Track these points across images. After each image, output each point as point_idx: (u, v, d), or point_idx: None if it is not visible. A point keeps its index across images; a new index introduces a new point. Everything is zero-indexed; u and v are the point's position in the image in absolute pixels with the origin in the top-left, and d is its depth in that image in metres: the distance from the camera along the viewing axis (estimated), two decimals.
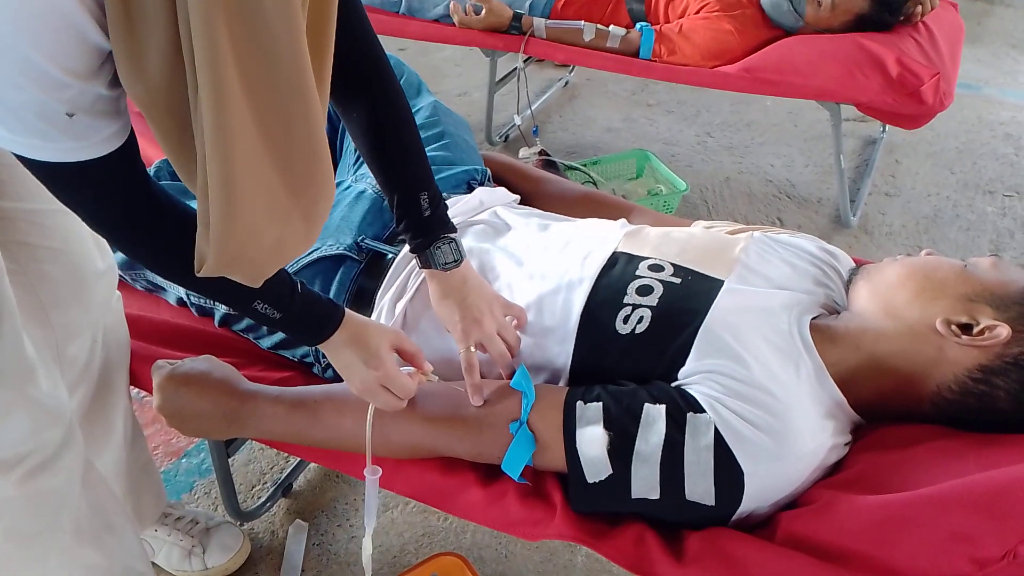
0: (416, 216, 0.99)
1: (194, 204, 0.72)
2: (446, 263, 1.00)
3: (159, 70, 0.63)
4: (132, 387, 1.15)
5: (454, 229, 1.02)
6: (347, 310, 0.93)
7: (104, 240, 1.08)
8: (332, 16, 0.72)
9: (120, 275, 1.26)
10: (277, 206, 0.71)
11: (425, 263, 1.01)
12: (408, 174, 0.99)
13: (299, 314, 0.89)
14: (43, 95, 0.62)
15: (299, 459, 1.47)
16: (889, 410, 0.94)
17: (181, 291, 1.22)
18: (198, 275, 0.72)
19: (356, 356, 0.91)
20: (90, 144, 0.68)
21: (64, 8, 0.59)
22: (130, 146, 0.73)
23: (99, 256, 1.04)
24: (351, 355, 0.91)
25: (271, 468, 1.53)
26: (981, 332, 0.88)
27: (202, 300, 1.20)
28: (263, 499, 1.44)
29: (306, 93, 0.67)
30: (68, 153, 0.67)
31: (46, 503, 0.91)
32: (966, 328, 0.89)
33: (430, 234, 1.00)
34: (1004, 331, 0.87)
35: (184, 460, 1.56)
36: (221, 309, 1.18)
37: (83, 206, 0.75)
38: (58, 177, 0.70)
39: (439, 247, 0.99)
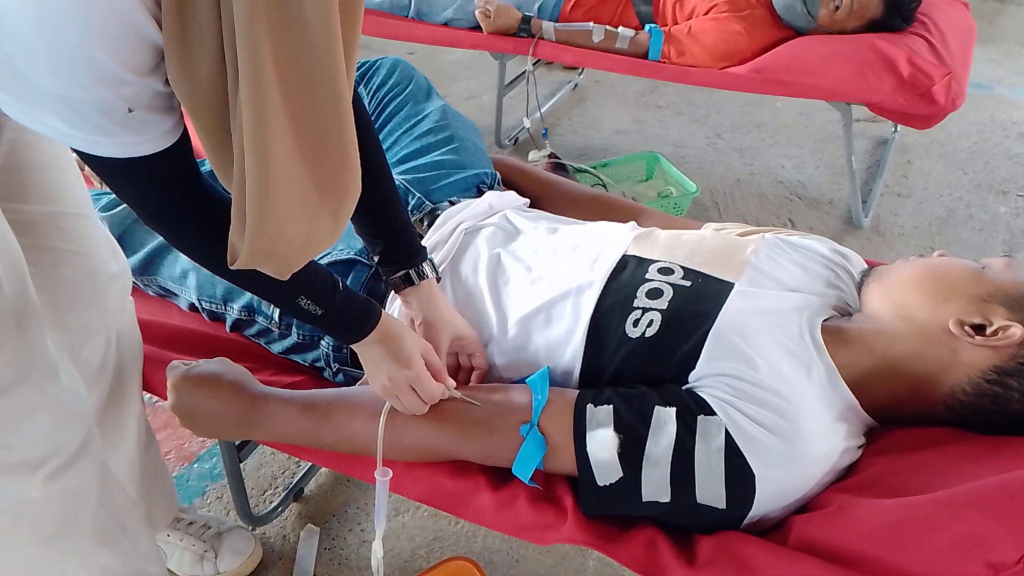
0: (400, 251, 1.04)
1: None
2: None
3: (205, 70, 0.65)
4: (144, 392, 1.16)
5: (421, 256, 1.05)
6: (383, 310, 0.95)
7: (117, 244, 1.09)
8: (359, 21, 0.74)
9: (132, 280, 1.27)
10: (308, 203, 0.73)
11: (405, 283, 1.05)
12: (391, 226, 1.04)
13: (340, 311, 0.91)
14: (106, 92, 0.65)
15: (310, 463, 1.48)
16: (902, 413, 0.93)
17: (193, 296, 1.23)
18: (231, 267, 0.75)
19: (388, 354, 0.94)
20: (148, 139, 0.71)
21: (125, 8, 0.61)
22: (184, 141, 0.75)
23: (113, 260, 1.05)
24: (383, 352, 0.94)
25: (283, 472, 1.53)
26: (995, 333, 0.87)
27: (213, 305, 1.20)
28: (275, 503, 1.44)
29: (340, 98, 0.69)
30: (128, 148, 0.70)
31: (67, 505, 0.91)
32: (979, 329, 0.89)
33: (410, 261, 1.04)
34: (1018, 331, 0.86)
35: (196, 464, 1.57)
36: (232, 315, 1.19)
37: (140, 199, 0.78)
38: (117, 171, 0.73)
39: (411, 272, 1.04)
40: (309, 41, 0.64)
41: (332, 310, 0.91)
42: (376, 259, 1.06)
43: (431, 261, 1.06)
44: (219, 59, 0.64)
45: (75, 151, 0.73)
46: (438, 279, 1.07)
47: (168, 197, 0.78)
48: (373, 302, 0.95)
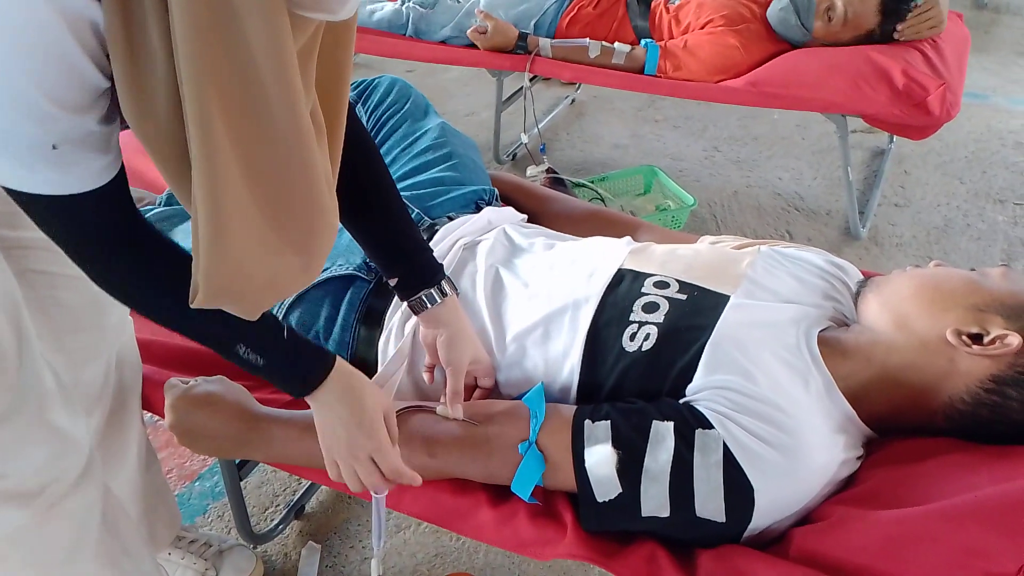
0: (420, 272, 1.03)
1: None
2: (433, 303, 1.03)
3: (161, 104, 0.63)
4: (145, 411, 1.16)
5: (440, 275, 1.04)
6: (338, 358, 0.89)
7: None
8: (346, 75, 0.73)
9: None
10: (267, 242, 0.71)
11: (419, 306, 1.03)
12: (409, 258, 1.03)
13: (284, 360, 0.85)
14: (31, 126, 0.62)
15: (311, 481, 1.48)
16: (901, 423, 0.93)
17: None
18: (192, 306, 0.71)
19: (347, 414, 0.88)
20: (75, 178, 0.67)
21: (59, 42, 0.59)
22: (118, 182, 0.71)
23: None
24: (343, 411, 0.88)
25: (284, 490, 1.53)
26: (992, 342, 0.87)
27: None
28: (276, 521, 1.44)
29: (304, 152, 0.67)
30: (52, 185, 0.66)
31: (69, 531, 0.91)
32: (977, 338, 0.89)
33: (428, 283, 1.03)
34: (1015, 340, 0.86)
35: (197, 483, 1.57)
36: None
37: (64, 239, 0.73)
38: (41, 209, 0.69)
39: (429, 294, 1.02)
40: (259, 82, 0.62)
41: (275, 359, 0.85)
42: (394, 283, 1.03)
43: (448, 278, 1.04)
44: (174, 93, 0.62)
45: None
46: (457, 293, 1.06)
47: (96, 238, 0.73)
48: (327, 352, 0.89)
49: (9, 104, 0.61)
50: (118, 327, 1.07)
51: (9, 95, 0.60)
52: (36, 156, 0.64)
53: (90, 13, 0.59)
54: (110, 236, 0.74)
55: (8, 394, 0.81)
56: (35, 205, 0.69)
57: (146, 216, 1.29)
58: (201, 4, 0.57)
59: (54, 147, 0.63)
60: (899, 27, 2.08)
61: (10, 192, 0.68)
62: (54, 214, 0.70)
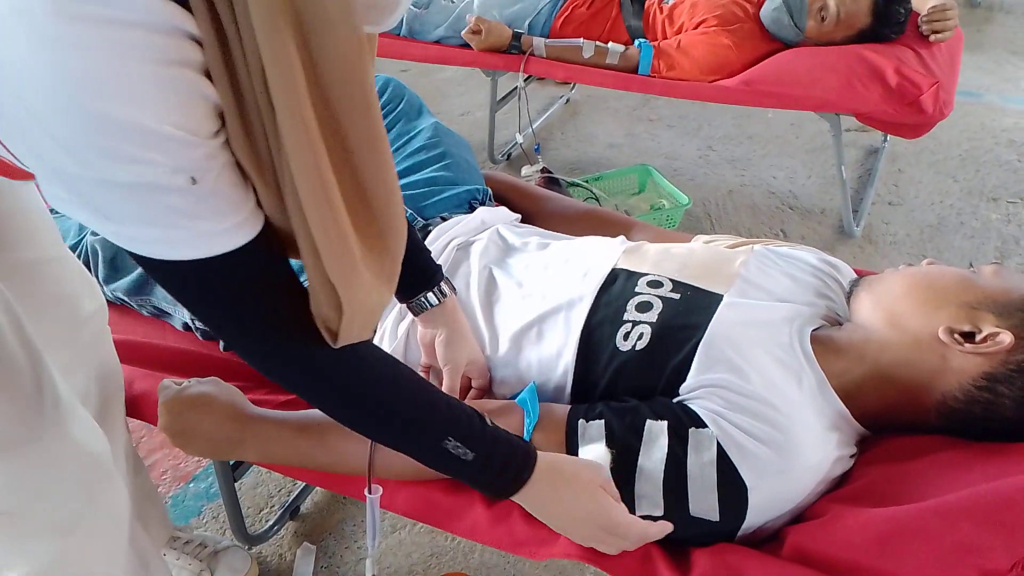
0: (420, 274, 1.02)
1: None
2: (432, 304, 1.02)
3: (264, 139, 0.59)
4: (135, 416, 1.15)
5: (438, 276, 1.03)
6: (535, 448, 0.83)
7: (93, 279, 1.05)
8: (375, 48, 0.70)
9: (126, 301, 1.27)
10: (367, 264, 0.68)
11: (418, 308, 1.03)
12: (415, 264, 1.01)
13: (491, 451, 0.79)
14: (172, 164, 0.56)
15: (306, 482, 1.47)
16: (894, 421, 0.93)
17: (187, 315, 1.23)
18: (336, 347, 0.68)
19: (573, 494, 0.80)
20: (237, 223, 0.62)
21: (167, 64, 0.54)
22: (267, 233, 0.65)
23: (88, 297, 1.02)
24: (560, 504, 0.81)
25: (279, 491, 1.53)
26: (984, 340, 0.88)
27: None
28: (271, 522, 1.44)
29: (387, 164, 0.66)
30: (220, 238, 0.61)
31: (102, 556, 0.90)
32: (969, 336, 0.89)
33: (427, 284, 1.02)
34: (1007, 338, 0.86)
35: (192, 484, 1.56)
36: None
37: (242, 312, 0.67)
38: (211, 281, 0.64)
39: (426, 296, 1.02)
40: (349, 101, 0.59)
41: (484, 449, 0.78)
42: None
43: (447, 278, 1.04)
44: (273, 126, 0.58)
45: (141, 262, 0.62)
46: (455, 293, 1.05)
47: (277, 301, 0.68)
48: (525, 441, 0.83)
49: (143, 147, 0.54)
50: (94, 342, 1.05)
51: (136, 129, 0.54)
52: (185, 201, 0.58)
53: (201, 86, 0.56)
54: (287, 300, 0.69)
55: (26, 417, 0.79)
56: (193, 274, 0.63)
57: None
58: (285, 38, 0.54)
59: (193, 181, 0.57)
60: (922, 18, 2.10)
61: (152, 268, 0.62)
62: (217, 281, 0.64)
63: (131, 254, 0.62)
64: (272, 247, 0.67)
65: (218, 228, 0.61)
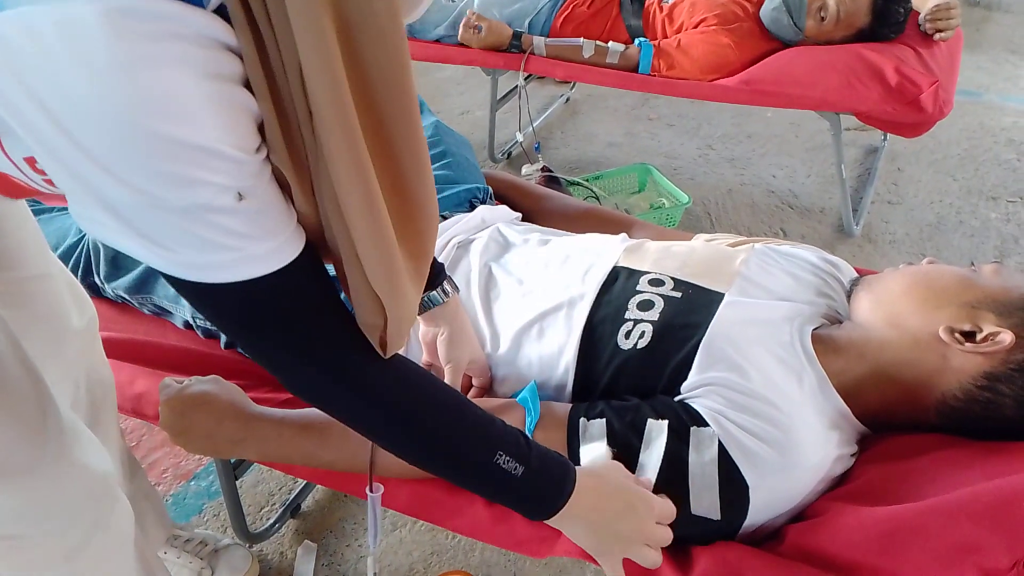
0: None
1: None
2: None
3: (302, 143, 0.59)
4: (136, 415, 1.15)
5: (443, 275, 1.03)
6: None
7: (84, 292, 1.04)
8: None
9: (127, 299, 1.27)
10: (408, 271, 0.67)
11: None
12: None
13: (539, 466, 0.76)
14: (222, 182, 0.55)
15: (307, 480, 1.48)
16: (894, 420, 0.94)
17: (188, 314, 1.23)
18: (386, 355, 0.67)
19: (613, 511, 0.79)
20: (284, 240, 0.61)
21: (235, 95, 0.55)
22: (314, 254, 0.65)
23: (77, 314, 1.01)
24: (606, 510, 0.79)
25: (279, 489, 1.53)
26: (985, 339, 0.88)
27: (208, 323, 1.20)
28: (272, 520, 1.44)
29: (424, 164, 0.65)
30: (268, 258, 0.60)
31: (111, 572, 0.90)
32: (969, 336, 0.89)
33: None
34: (1008, 337, 0.86)
35: (193, 483, 1.56)
36: None
37: (293, 335, 0.66)
38: (258, 302, 0.62)
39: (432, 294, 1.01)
40: (391, 102, 0.58)
41: (530, 465, 0.75)
42: None
43: (450, 277, 1.04)
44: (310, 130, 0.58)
45: (189, 290, 0.61)
46: (457, 292, 1.05)
47: (326, 321, 0.67)
48: (564, 458, 0.81)
49: (192, 158, 0.53)
50: (83, 352, 1.04)
51: (189, 147, 0.52)
52: (235, 221, 0.57)
53: (245, 100, 0.56)
54: (336, 319, 0.68)
55: (30, 441, 0.78)
56: (244, 299, 0.62)
57: None
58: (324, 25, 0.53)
59: (240, 197, 0.56)
60: (925, 16, 2.11)
61: (205, 294, 0.61)
62: (271, 303, 0.63)
63: (178, 283, 0.61)
64: (316, 261, 0.66)
65: (269, 247, 0.60)
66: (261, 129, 0.58)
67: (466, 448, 0.75)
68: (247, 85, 0.55)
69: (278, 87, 0.56)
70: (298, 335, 0.67)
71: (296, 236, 0.63)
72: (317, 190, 0.61)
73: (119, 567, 0.91)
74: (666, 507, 0.82)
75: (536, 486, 0.77)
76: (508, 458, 0.74)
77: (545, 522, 0.80)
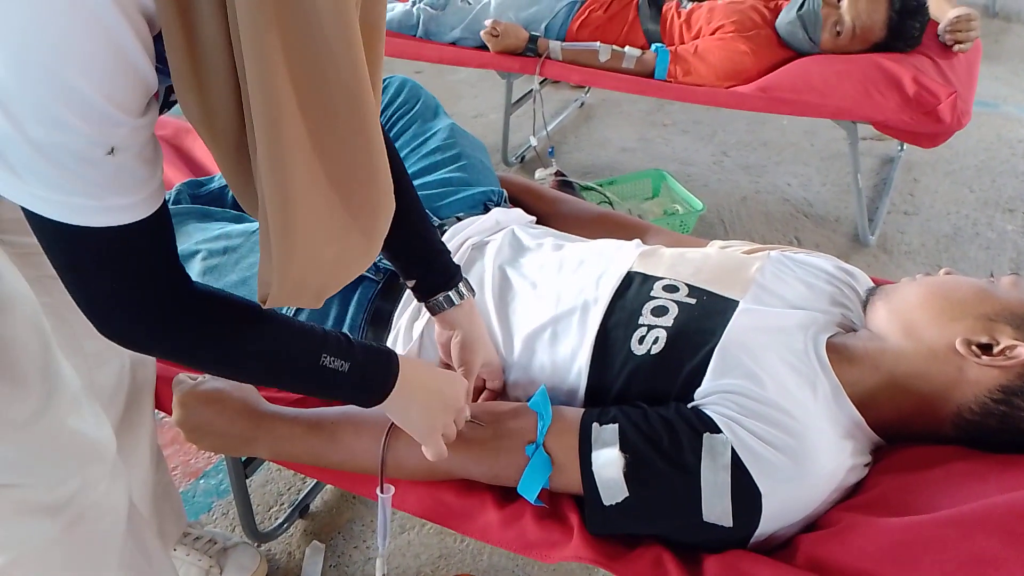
0: (439, 274, 1.02)
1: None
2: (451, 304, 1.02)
3: (220, 93, 0.60)
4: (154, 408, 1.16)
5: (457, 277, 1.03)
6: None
7: None
8: (382, 39, 0.71)
9: None
10: (335, 223, 0.69)
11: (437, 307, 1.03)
12: (431, 260, 1.02)
13: (363, 359, 0.82)
14: (92, 134, 0.57)
15: (316, 480, 1.48)
16: (909, 430, 0.93)
17: None
18: (265, 306, 0.69)
19: (429, 397, 0.88)
20: (138, 200, 0.63)
21: (120, 37, 0.54)
22: (165, 211, 0.67)
23: None
24: (421, 397, 0.87)
25: (288, 489, 1.53)
26: (1001, 352, 0.87)
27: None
28: (280, 520, 1.44)
29: (365, 113, 0.65)
30: (117, 212, 0.61)
31: (96, 544, 0.90)
32: (986, 348, 0.88)
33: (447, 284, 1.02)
34: None
35: (202, 480, 1.57)
36: None
37: (116, 285, 0.67)
38: (94, 250, 0.63)
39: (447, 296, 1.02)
40: (329, 54, 0.59)
41: (356, 360, 0.81)
42: (411, 284, 1.02)
43: (466, 280, 1.04)
44: (233, 79, 0.59)
45: (34, 224, 0.62)
46: (473, 295, 1.05)
47: (150, 279, 0.68)
48: (386, 347, 0.88)
49: (66, 109, 0.54)
50: None
51: (64, 98, 0.54)
52: (101, 174, 0.59)
53: (143, 67, 0.57)
54: (166, 275, 0.70)
55: (31, 399, 0.80)
56: (86, 243, 0.63)
57: None
58: None
59: (112, 151, 0.58)
60: (945, 27, 2.11)
61: (49, 230, 0.62)
62: (110, 252, 0.64)
63: (25, 212, 0.62)
64: (166, 224, 0.68)
65: (123, 203, 0.62)
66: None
67: (291, 363, 0.79)
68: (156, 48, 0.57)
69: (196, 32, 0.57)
70: (128, 287, 0.68)
71: (153, 197, 0.65)
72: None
73: (105, 539, 0.91)
74: (461, 380, 0.93)
75: (363, 375, 0.82)
76: (332, 358, 0.79)
77: (382, 410, 0.87)
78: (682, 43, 2.27)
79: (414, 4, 2.52)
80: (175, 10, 0.56)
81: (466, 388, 0.93)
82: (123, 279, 0.67)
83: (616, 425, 0.88)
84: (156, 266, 0.69)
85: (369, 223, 0.73)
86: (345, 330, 1.11)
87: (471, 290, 1.04)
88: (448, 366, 1.06)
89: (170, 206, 1.38)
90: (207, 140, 0.63)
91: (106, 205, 0.61)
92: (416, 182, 1.32)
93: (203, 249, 1.19)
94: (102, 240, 0.63)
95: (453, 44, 2.45)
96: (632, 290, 1.03)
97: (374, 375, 0.84)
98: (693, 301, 1.00)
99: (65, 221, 0.60)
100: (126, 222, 0.63)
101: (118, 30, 0.54)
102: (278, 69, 0.58)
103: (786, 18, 2.17)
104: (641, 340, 0.96)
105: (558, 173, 2.31)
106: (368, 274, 1.14)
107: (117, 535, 0.92)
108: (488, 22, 2.31)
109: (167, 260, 0.70)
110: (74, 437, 0.85)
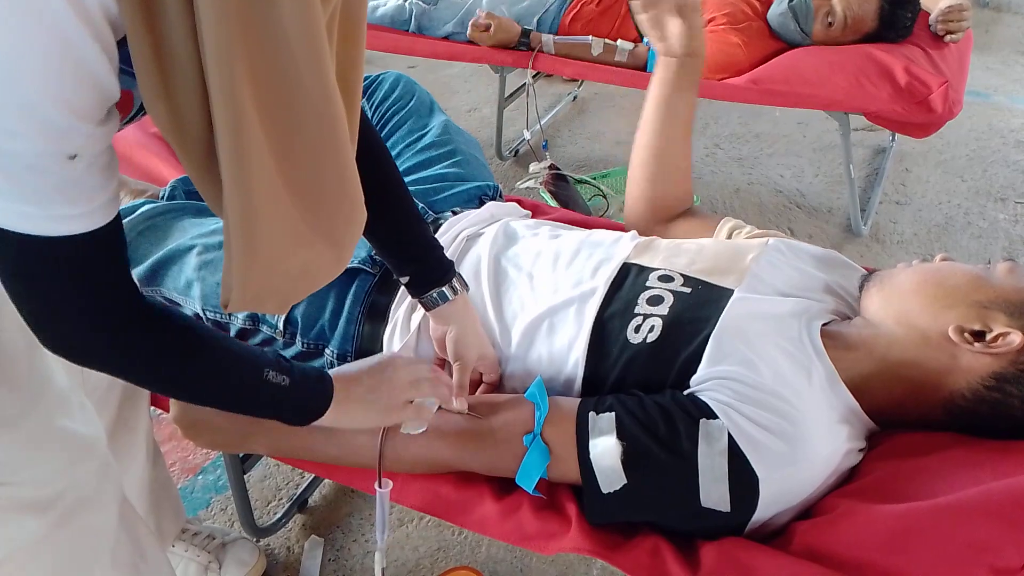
0: (433, 270, 1.03)
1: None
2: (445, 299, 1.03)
3: (188, 98, 0.59)
4: (153, 405, 1.16)
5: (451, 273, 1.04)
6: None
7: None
8: (362, 35, 0.71)
9: None
10: (300, 233, 0.68)
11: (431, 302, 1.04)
12: (422, 256, 1.03)
13: (301, 372, 0.85)
14: (44, 144, 0.56)
15: (314, 475, 1.48)
16: (903, 416, 0.94)
17: (197, 307, 1.23)
18: (227, 311, 0.69)
19: (367, 394, 0.90)
20: (87, 211, 0.61)
21: (74, 39, 0.53)
22: (118, 225, 0.66)
23: None
24: (361, 397, 0.90)
25: (287, 484, 1.53)
26: (995, 339, 0.88)
27: (218, 315, 1.21)
28: (279, 515, 1.44)
29: (333, 121, 0.65)
30: (64, 222, 0.60)
31: (86, 540, 0.90)
32: (979, 335, 0.89)
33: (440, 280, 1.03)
34: (1017, 338, 0.86)
35: (200, 476, 1.57)
36: (236, 324, 1.19)
37: (62, 296, 0.65)
38: (39, 259, 0.62)
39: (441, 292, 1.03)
40: (294, 68, 0.59)
41: (293, 374, 0.83)
42: (405, 280, 1.03)
43: (459, 275, 1.04)
44: (202, 87, 0.58)
45: None
46: (467, 290, 1.05)
47: (99, 295, 0.67)
48: (314, 367, 0.90)
49: (19, 119, 0.54)
50: None
51: (15, 101, 0.53)
52: (49, 183, 0.58)
53: (101, 74, 0.56)
54: (114, 288, 0.68)
55: (18, 398, 0.80)
56: (29, 257, 0.61)
57: (151, 210, 1.29)
58: None
59: (73, 157, 0.57)
60: (937, 17, 2.11)
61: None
62: (54, 264, 0.62)
63: None
64: (118, 236, 0.67)
65: (74, 212, 0.61)
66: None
67: (239, 377, 0.80)
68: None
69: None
70: (75, 298, 0.66)
71: (106, 208, 0.63)
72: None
73: (96, 535, 0.91)
74: (414, 365, 0.94)
75: (304, 387, 0.85)
76: (274, 372, 0.80)
77: (328, 420, 0.88)
78: None
79: None
80: (142, 19, 0.55)
81: (413, 360, 0.96)
82: (71, 290, 0.65)
83: (613, 413, 0.89)
84: (105, 279, 0.67)
85: (338, 233, 0.73)
86: (342, 323, 1.12)
87: (464, 285, 1.04)
88: (444, 361, 1.06)
89: (165, 201, 1.39)
90: (176, 147, 0.62)
91: (56, 214, 0.60)
92: (411, 178, 1.32)
93: (199, 244, 1.19)
94: (51, 249, 0.61)
95: (446, 39, 2.44)
96: (628, 280, 1.04)
97: (312, 384, 0.86)
98: (688, 290, 1.00)
99: (13, 229, 0.59)
100: (77, 232, 0.61)
101: (77, 38, 0.53)
102: (241, 81, 0.57)
103: (777, 9, 2.17)
104: (637, 329, 0.97)
105: (552, 167, 2.31)
106: (365, 267, 1.14)
107: (109, 532, 0.92)
108: (480, 12, 2.30)
109: (118, 273, 0.69)
110: (62, 435, 0.85)
